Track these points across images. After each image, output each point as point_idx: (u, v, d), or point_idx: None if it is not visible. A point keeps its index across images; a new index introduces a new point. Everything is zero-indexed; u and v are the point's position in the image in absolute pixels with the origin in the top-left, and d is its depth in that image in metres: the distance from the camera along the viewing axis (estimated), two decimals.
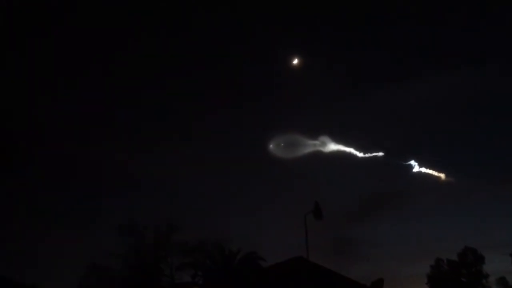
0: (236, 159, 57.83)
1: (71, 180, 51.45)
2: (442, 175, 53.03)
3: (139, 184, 56.37)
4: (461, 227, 60.07)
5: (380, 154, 52.97)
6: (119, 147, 55.34)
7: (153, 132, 60.95)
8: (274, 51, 58.70)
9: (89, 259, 31.09)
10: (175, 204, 53.22)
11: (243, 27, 58.35)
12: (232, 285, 30.89)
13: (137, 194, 56.41)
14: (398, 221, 57.61)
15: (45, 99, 49.53)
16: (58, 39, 50.37)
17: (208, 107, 59.80)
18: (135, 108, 60.86)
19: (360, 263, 49.14)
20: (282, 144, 52.81)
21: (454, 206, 59.97)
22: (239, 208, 57.49)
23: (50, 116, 49.22)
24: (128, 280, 31.87)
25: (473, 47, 62.63)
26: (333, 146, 53.48)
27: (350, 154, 53.03)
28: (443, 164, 55.38)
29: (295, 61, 51.79)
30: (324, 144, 53.49)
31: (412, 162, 52.23)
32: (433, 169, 52.71)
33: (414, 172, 52.26)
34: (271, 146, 52.38)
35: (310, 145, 53.49)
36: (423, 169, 52.45)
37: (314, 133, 53.96)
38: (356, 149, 53.03)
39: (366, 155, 53.03)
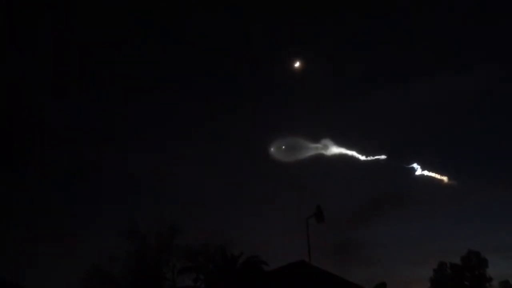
0: (238, 162, 57.78)
1: (72, 182, 51.44)
2: (445, 178, 52.85)
3: (141, 187, 56.39)
4: (464, 230, 59.72)
5: (383, 157, 52.79)
6: (121, 149, 55.36)
7: (155, 135, 61.05)
8: (276, 53, 58.77)
9: (90, 263, 31.01)
10: (177, 207, 53.17)
11: (244, 29, 58.40)
12: None
13: (138, 197, 56.13)
14: (401, 224, 57.39)
15: (46, 100, 49.38)
16: (58, 39, 50.34)
17: (210, 110, 59.76)
18: (137, 110, 60.86)
19: (362, 266, 48.89)
20: (284, 147, 52.67)
21: (457, 209, 59.86)
22: (241, 212, 57.48)
23: (51, 117, 49.18)
24: (130, 284, 31.71)
25: (474, 48, 62.52)
26: (335, 149, 53.37)
27: (352, 157, 52.92)
28: (446, 167, 55.25)
29: (297, 64, 51.67)
30: (326, 147, 53.39)
31: (415, 165, 52.02)
32: (436, 172, 52.53)
33: (416, 175, 52.08)
34: (272, 149, 52.19)
35: (312, 148, 53.37)
36: (426, 172, 52.28)
37: (316, 136, 53.83)
38: (358, 152, 52.89)
39: (368, 158, 52.89)
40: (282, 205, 56.06)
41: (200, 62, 60.82)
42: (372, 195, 58.27)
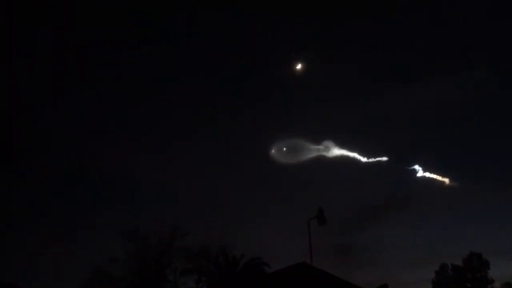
0: (239, 163, 57.62)
1: (72, 183, 51.25)
2: (447, 180, 52.57)
3: (141, 188, 56.23)
4: (466, 232, 59.46)
5: (384, 158, 52.61)
6: (121, 149, 55.17)
7: (155, 135, 60.87)
8: (277, 55, 58.63)
9: (92, 265, 30.99)
10: (178, 209, 53.04)
11: (245, 30, 58.29)
12: None
13: (140, 199, 56.18)
14: (402, 226, 57.00)
15: (46, 100, 49.37)
16: (58, 39, 50.21)
17: (210, 110, 59.57)
18: (137, 110, 60.64)
19: (364, 268, 48.77)
20: (285, 149, 52.47)
21: (459, 211, 59.50)
22: (242, 213, 57.27)
23: (52, 117, 49.10)
24: (131, 285, 31.60)
25: (475, 49, 62.33)
26: (336, 151, 53.07)
27: (353, 159, 52.62)
28: (448, 169, 55.04)
29: (299, 66, 51.49)
30: (327, 148, 53.08)
31: (416, 167, 51.79)
32: (437, 174, 52.29)
33: (418, 177, 51.86)
34: (272, 151, 52.02)
35: (314, 150, 53.12)
36: (427, 174, 52.02)
37: (317, 138, 53.62)
38: (360, 154, 52.66)
39: (370, 160, 52.63)
40: (283, 207, 55.93)
41: (201, 62, 60.84)
42: (374, 197, 57.96)
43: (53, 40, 50.04)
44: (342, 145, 53.03)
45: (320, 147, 53.08)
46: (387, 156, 52.43)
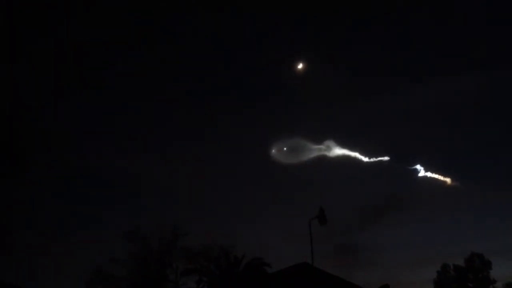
0: (239, 163, 57.54)
1: (73, 184, 51.23)
2: (448, 180, 52.48)
3: (142, 188, 56.14)
4: (468, 232, 59.41)
5: (386, 158, 52.51)
6: (121, 150, 55.14)
7: (155, 135, 60.82)
8: (279, 55, 58.61)
9: (94, 265, 30.87)
10: (180, 209, 53.01)
11: (246, 30, 58.23)
12: None
13: (139, 198, 56.04)
14: (404, 226, 56.91)
15: (46, 101, 49.31)
16: (58, 39, 50.18)
17: (211, 110, 59.52)
18: (137, 110, 60.66)
19: (365, 268, 48.59)
20: (285, 149, 52.38)
21: (461, 210, 59.27)
22: (243, 214, 57.14)
23: (52, 118, 48.99)
24: (132, 285, 31.50)
25: (476, 50, 62.23)
26: (338, 151, 53.03)
27: (355, 158, 52.58)
28: (449, 168, 54.96)
29: (300, 66, 51.42)
30: (329, 148, 53.05)
31: (418, 166, 51.71)
32: (439, 173, 52.19)
33: (419, 177, 51.77)
34: (273, 151, 51.93)
35: (315, 150, 53.05)
36: (429, 173, 51.93)
37: (319, 138, 53.55)
38: (361, 153, 52.58)
39: (371, 159, 52.59)
40: (284, 207, 55.86)
41: (201, 62, 60.82)
42: (375, 197, 57.83)
43: (53, 40, 50.08)
44: (343, 145, 53.02)
45: (321, 146, 53.09)
46: (388, 156, 52.42)
